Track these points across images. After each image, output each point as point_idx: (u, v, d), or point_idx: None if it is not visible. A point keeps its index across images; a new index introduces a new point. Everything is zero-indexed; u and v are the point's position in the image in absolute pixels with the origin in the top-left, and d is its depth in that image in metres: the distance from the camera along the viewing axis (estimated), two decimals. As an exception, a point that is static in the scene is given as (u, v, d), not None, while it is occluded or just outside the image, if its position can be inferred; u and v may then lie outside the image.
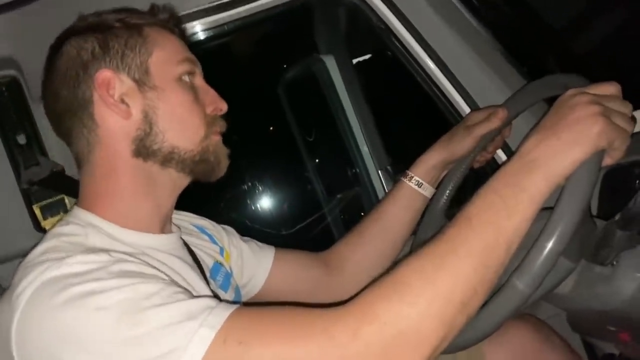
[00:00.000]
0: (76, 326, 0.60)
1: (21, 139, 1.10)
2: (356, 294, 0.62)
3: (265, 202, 2.37)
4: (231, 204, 2.29)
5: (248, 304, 0.98)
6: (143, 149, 0.79)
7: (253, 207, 2.32)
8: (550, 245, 0.65)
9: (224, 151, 0.86)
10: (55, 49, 0.82)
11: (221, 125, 0.86)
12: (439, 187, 1.09)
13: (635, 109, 0.95)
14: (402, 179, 1.08)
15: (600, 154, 0.66)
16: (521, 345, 1.03)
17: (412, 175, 1.07)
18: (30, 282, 0.63)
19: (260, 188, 2.35)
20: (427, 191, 1.07)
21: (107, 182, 0.80)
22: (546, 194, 0.65)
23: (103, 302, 0.60)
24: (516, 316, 1.05)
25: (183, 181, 0.85)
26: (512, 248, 0.64)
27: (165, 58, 0.81)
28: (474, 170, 1.11)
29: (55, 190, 1.12)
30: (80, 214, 0.79)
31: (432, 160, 1.06)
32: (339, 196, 2.02)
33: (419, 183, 1.07)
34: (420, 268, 0.62)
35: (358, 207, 1.87)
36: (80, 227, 0.75)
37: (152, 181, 0.81)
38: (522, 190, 0.64)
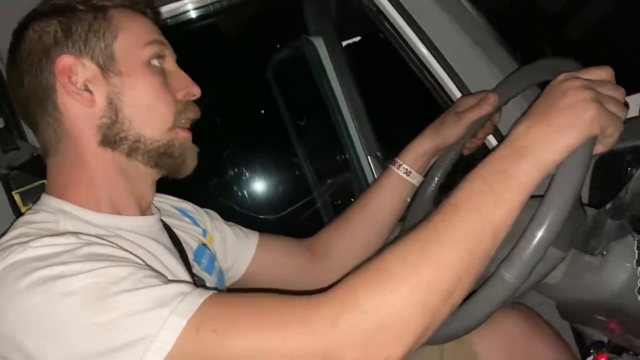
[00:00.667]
0: (40, 312, 0.58)
1: (-1, 123, 1.07)
2: (338, 281, 0.61)
3: (253, 187, 2.35)
4: (220, 189, 2.28)
5: (230, 290, 0.98)
6: (110, 137, 0.77)
7: (241, 192, 2.30)
8: (539, 235, 0.63)
9: (191, 149, 0.83)
10: (18, 34, 0.79)
11: (194, 112, 0.83)
12: (427, 174, 1.08)
13: (628, 94, 0.93)
14: (391, 166, 1.07)
15: (592, 140, 0.64)
16: (510, 334, 1.03)
17: (401, 163, 1.06)
18: None
19: (248, 173, 2.34)
20: (415, 179, 1.06)
21: (77, 171, 0.77)
22: (536, 182, 0.63)
23: (69, 287, 0.58)
24: (506, 305, 1.05)
25: (152, 175, 0.83)
26: (500, 236, 0.62)
27: (131, 41, 0.78)
28: (463, 156, 1.10)
29: (35, 176, 1.09)
30: (49, 201, 0.77)
31: (422, 148, 1.05)
32: (328, 181, 2.00)
33: (407, 171, 1.05)
34: (404, 255, 0.61)
35: (348, 193, 1.85)
36: (50, 214, 0.73)
37: (122, 170, 0.79)
38: (511, 177, 0.62)
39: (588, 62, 0.74)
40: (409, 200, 1.09)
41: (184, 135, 0.81)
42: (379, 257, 0.62)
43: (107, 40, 0.77)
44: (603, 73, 0.68)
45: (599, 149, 0.66)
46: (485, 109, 1.00)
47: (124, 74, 0.77)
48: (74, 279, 0.59)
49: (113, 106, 0.76)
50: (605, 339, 1.04)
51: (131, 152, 0.78)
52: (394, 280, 0.58)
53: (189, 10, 1.27)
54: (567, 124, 0.63)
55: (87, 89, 0.76)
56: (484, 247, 0.61)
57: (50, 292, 0.58)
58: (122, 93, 0.76)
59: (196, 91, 0.83)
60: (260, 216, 2.13)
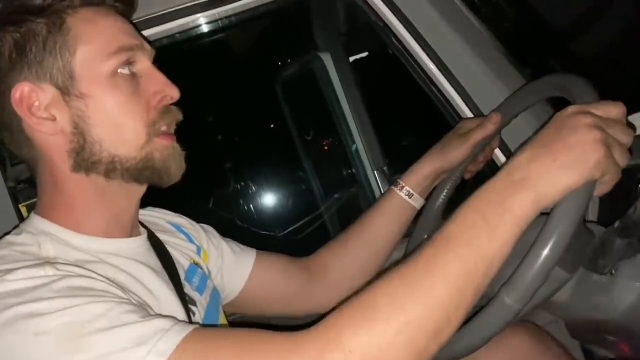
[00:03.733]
0: (12, 352, 0.56)
1: (7, 136, 1.08)
2: (323, 316, 0.59)
3: (260, 201, 2.35)
4: (226, 203, 2.27)
5: (225, 311, 0.96)
6: (81, 163, 0.73)
7: (247, 207, 2.30)
8: (541, 259, 0.61)
9: (174, 156, 0.77)
10: None
11: (173, 115, 0.78)
12: (429, 196, 1.07)
13: (636, 111, 0.92)
14: (393, 187, 1.06)
15: (592, 185, 0.62)
16: (518, 352, 1.01)
17: (403, 185, 1.04)
18: None
19: (255, 187, 2.33)
20: (417, 202, 1.05)
21: (56, 195, 0.75)
22: (531, 217, 0.61)
23: (43, 326, 0.56)
24: (514, 324, 1.03)
25: (136, 189, 0.79)
26: (492, 272, 0.60)
27: (92, 54, 0.72)
28: (464, 180, 1.08)
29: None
30: (34, 221, 0.75)
31: (425, 170, 1.03)
32: (335, 196, 1.99)
33: (409, 193, 1.04)
34: (391, 291, 0.58)
35: (354, 208, 1.85)
36: (32, 235, 0.71)
37: (102, 193, 0.75)
38: (507, 210, 0.60)
39: (595, 78, 0.73)
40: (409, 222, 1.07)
41: (164, 144, 0.76)
42: (366, 292, 0.59)
43: (64, 58, 0.71)
44: (615, 110, 0.65)
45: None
46: (489, 127, 0.99)
47: (86, 95, 0.71)
48: (49, 318, 0.57)
49: (79, 130, 0.72)
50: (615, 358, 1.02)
51: (108, 173, 0.74)
52: (379, 318, 0.56)
53: (200, 25, 1.28)
54: (572, 163, 0.60)
55: (50, 114, 0.71)
56: (474, 284, 0.59)
57: (23, 332, 0.56)
58: (87, 115, 0.71)
59: (174, 93, 0.77)
60: (265, 232, 2.12)
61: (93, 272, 0.67)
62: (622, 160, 0.63)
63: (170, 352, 0.55)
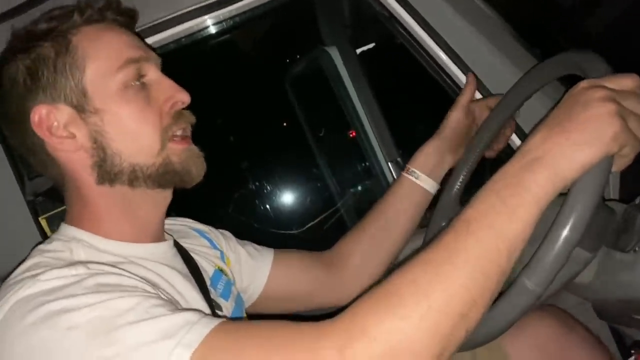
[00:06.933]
0: (47, 347, 0.58)
1: (24, 150, 1.09)
2: (347, 305, 0.59)
3: (275, 200, 2.35)
4: (242, 203, 2.28)
5: (248, 315, 0.97)
6: (105, 175, 0.76)
7: (263, 206, 2.30)
8: (561, 240, 0.60)
9: (193, 158, 0.80)
10: None
11: (186, 119, 0.80)
12: (450, 177, 1.06)
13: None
14: (402, 172, 1.08)
15: (610, 160, 0.60)
16: (542, 337, 1.00)
17: (409, 167, 1.06)
18: (6, 302, 0.62)
19: (270, 186, 2.33)
20: (426, 183, 1.06)
21: (84, 207, 0.78)
22: (551, 196, 0.60)
23: (74, 321, 0.58)
24: (537, 308, 1.02)
25: (162, 194, 0.81)
26: (515, 254, 0.60)
27: (102, 70, 0.75)
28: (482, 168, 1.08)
29: (59, 201, 1.11)
30: (65, 230, 0.78)
31: (425, 149, 1.06)
32: (351, 190, 1.99)
33: (416, 175, 1.05)
34: (414, 278, 0.58)
35: (371, 201, 1.84)
36: (63, 242, 0.74)
37: (128, 202, 0.78)
38: (525, 190, 0.59)
39: (608, 52, 0.71)
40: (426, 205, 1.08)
41: (180, 147, 0.79)
42: (388, 280, 0.59)
43: (75, 77, 0.74)
44: (629, 82, 0.63)
45: (612, 169, 0.62)
46: (469, 89, 1.06)
47: (101, 110, 0.75)
48: (79, 313, 0.59)
49: (99, 144, 0.75)
50: (646, 338, 1.01)
51: (132, 182, 0.77)
52: (403, 305, 0.56)
53: (204, 28, 1.28)
54: (587, 139, 0.59)
55: (69, 133, 0.75)
56: (498, 267, 0.58)
57: (56, 327, 0.58)
58: (104, 129, 0.75)
59: (184, 98, 0.80)
60: (283, 231, 2.12)
61: (124, 270, 0.69)
62: None
63: (198, 344, 0.56)
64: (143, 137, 0.76)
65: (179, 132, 0.79)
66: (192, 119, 0.82)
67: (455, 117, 1.06)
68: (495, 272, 0.58)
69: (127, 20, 0.82)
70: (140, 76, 0.78)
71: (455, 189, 1.05)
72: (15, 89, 0.75)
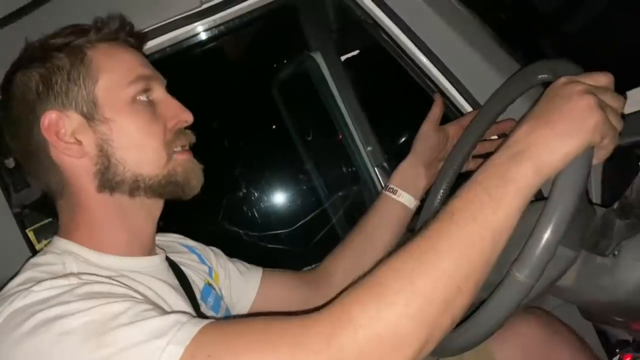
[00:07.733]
0: (43, 352, 0.59)
1: (9, 163, 1.10)
2: (334, 297, 0.61)
3: (264, 205, 2.34)
4: (230, 208, 2.27)
5: None
6: (107, 183, 0.78)
7: (251, 212, 2.29)
8: (547, 233, 0.62)
9: (194, 169, 0.83)
10: (4, 89, 0.81)
11: (186, 138, 0.84)
12: (432, 187, 1.07)
13: (628, 88, 0.92)
14: (383, 190, 1.11)
15: (591, 151, 0.62)
16: (528, 338, 1.02)
17: (388, 184, 1.10)
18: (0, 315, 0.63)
19: (258, 192, 2.32)
20: (404, 198, 1.09)
21: (80, 215, 0.79)
22: (535, 187, 0.62)
23: (67, 326, 0.59)
24: (522, 310, 1.03)
25: (157, 205, 0.84)
26: (500, 243, 0.61)
27: (114, 82, 0.78)
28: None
29: (47, 213, 1.12)
30: (58, 243, 0.79)
31: (403, 165, 1.10)
32: (339, 194, 1.99)
33: (394, 191, 1.09)
34: (398, 266, 0.59)
35: (359, 206, 1.84)
36: (56, 255, 0.75)
37: (124, 212, 0.80)
38: (509, 181, 0.61)
39: (586, 58, 0.73)
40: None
41: (183, 158, 0.82)
42: (374, 271, 0.61)
43: (88, 87, 0.77)
44: (604, 79, 0.66)
45: (593, 160, 0.64)
46: (436, 106, 1.11)
47: (109, 120, 0.77)
48: (73, 318, 0.60)
49: (104, 152, 0.77)
50: (630, 338, 1.02)
51: (133, 192, 0.79)
52: (387, 292, 0.57)
53: (190, 37, 1.28)
54: (570, 130, 0.61)
55: (76, 139, 0.77)
56: (482, 255, 0.60)
57: (49, 333, 0.59)
58: (111, 138, 0.77)
59: (187, 117, 0.83)
60: (270, 232, 2.12)
61: (115, 281, 0.70)
62: (618, 123, 0.64)
63: (189, 342, 0.57)
64: (148, 149, 0.79)
65: (178, 149, 0.82)
66: (192, 138, 0.85)
67: (425, 133, 1.10)
68: (480, 261, 0.60)
69: (137, 42, 0.86)
70: (148, 92, 0.81)
71: (435, 204, 1.06)
72: (27, 94, 0.77)
